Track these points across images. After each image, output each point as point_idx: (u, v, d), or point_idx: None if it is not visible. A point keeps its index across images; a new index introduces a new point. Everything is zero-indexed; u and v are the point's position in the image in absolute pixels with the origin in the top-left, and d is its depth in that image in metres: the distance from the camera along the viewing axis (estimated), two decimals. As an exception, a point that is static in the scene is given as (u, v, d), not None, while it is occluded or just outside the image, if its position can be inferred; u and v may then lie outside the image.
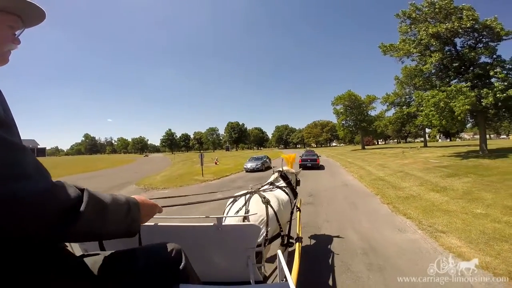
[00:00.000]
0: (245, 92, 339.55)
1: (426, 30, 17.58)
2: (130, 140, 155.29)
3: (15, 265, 0.68)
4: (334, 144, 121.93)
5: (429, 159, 18.30)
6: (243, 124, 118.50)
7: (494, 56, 17.08)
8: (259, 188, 3.38)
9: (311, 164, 19.21)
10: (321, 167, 20.00)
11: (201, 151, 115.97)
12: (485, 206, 6.61)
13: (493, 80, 16.37)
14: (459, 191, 8.41)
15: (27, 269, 0.70)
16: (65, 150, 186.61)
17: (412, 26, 19.48)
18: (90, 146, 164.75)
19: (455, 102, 15.79)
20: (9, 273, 0.66)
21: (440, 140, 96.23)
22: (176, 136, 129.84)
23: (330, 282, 3.55)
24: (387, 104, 40.48)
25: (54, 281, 0.76)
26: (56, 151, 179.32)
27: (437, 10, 17.35)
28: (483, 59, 17.34)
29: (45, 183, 0.61)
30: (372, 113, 49.54)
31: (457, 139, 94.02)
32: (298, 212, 3.84)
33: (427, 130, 46.53)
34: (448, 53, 18.59)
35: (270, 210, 2.73)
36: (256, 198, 2.83)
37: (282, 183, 3.77)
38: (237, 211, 2.68)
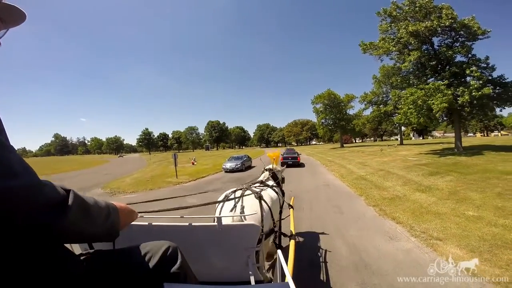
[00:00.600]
0: (226, 92, 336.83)
1: (406, 28, 17.60)
2: (104, 140, 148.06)
3: (15, 263, 0.68)
4: (313, 142, 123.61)
5: (407, 157, 18.40)
6: (224, 123, 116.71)
7: (470, 55, 17.42)
8: (251, 186, 3.31)
9: (292, 162, 19.43)
10: (301, 165, 20.38)
11: (180, 151, 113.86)
12: (476, 208, 6.22)
13: (468, 78, 16.67)
14: (445, 190, 8.06)
15: (27, 268, 0.70)
16: (33, 151, 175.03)
17: (392, 24, 19.56)
18: (61, 147, 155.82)
19: (433, 100, 15.88)
20: (9, 272, 0.66)
21: (413, 138, 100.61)
22: (154, 135, 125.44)
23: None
24: (365, 103, 41.19)
25: (54, 279, 0.76)
26: (23, 152, 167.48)
27: (417, 9, 17.42)
28: (459, 58, 17.69)
29: (32, 180, 0.62)
30: (351, 112, 50.56)
31: (429, 137, 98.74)
32: (291, 209, 3.89)
33: (402, 128, 48.16)
34: (425, 52, 18.80)
35: (264, 205, 2.72)
36: (247, 194, 2.80)
37: (272, 182, 3.73)
38: (232, 209, 2.61)
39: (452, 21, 16.44)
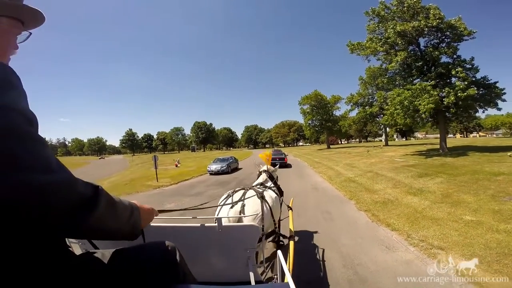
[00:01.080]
0: (213, 93, 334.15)
1: (394, 28, 17.54)
2: (86, 141, 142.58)
3: (18, 263, 0.67)
4: (300, 143, 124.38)
5: (394, 158, 18.33)
6: (210, 124, 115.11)
7: (455, 56, 17.57)
8: (252, 186, 3.31)
9: (280, 163, 18.86)
10: (288, 166, 20.85)
11: (165, 152, 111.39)
12: (473, 212, 5.87)
13: (454, 79, 16.78)
14: (437, 193, 7.73)
15: (29, 267, 0.70)
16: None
17: (380, 24, 19.52)
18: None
19: (419, 100, 15.85)
20: (12, 271, 0.66)
21: (396, 139, 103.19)
22: (138, 136, 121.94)
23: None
24: (351, 104, 41.52)
25: (57, 279, 0.75)
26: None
27: (405, 9, 17.42)
28: (444, 59, 17.83)
29: (68, 176, 0.64)
30: (337, 113, 50.90)
31: (411, 138, 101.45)
32: (290, 211, 3.96)
33: (386, 129, 49.01)
34: (412, 52, 18.87)
35: (266, 206, 2.73)
36: (250, 194, 2.80)
37: (271, 183, 3.76)
38: (232, 207, 2.62)
39: (439, 21, 16.51)
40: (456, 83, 15.87)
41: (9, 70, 0.66)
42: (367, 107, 39.55)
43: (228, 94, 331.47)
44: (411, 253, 4.28)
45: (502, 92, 15.94)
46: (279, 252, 1.54)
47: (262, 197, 2.78)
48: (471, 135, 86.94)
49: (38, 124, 0.67)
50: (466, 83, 15.25)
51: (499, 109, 17.25)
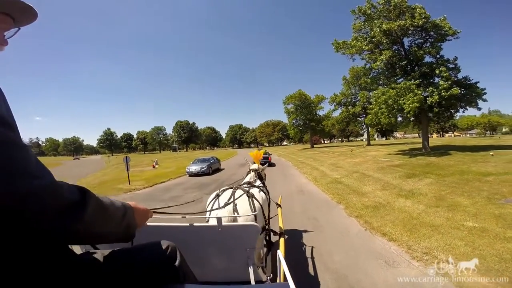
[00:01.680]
0: (198, 93, 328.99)
1: (380, 26, 17.33)
2: (61, 140, 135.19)
3: (17, 263, 0.67)
4: (284, 143, 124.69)
5: (378, 158, 18.11)
6: (193, 123, 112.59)
7: (438, 56, 17.61)
8: (240, 185, 3.31)
9: (264, 162, 18.50)
10: (272, 164, 21.06)
11: (146, 153, 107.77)
12: (473, 217, 5.35)
13: (437, 79, 16.78)
14: (429, 196, 7.24)
15: (29, 267, 0.69)
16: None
17: (366, 23, 19.32)
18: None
19: (404, 99, 15.66)
20: (12, 271, 0.66)
21: (377, 138, 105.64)
22: (117, 136, 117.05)
23: None
24: (335, 104, 41.68)
25: (57, 279, 0.75)
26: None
27: (391, 8, 17.24)
28: (428, 59, 17.86)
29: (51, 181, 0.62)
30: (320, 112, 50.96)
31: (391, 137, 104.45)
32: (279, 208, 4.00)
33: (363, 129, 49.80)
34: (396, 52, 18.77)
35: (257, 204, 2.73)
36: (239, 193, 2.79)
37: (259, 183, 3.74)
38: (223, 206, 2.55)
39: (425, 20, 16.46)
40: (440, 82, 15.81)
41: None
42: (350, 107, 39.87)
43: (213, 93, 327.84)
44: (416, 269, 3.64)
45: (483, 92, 16.10)
46: (279, 252, 1.50)
47: (251, 196, 2.76)
48: (447, 135, 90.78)
49: (15, 127, 0.63)
50: (449, 82, 15.21)
51: (479, 109, 17.50)
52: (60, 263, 0.78)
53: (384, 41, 18.54)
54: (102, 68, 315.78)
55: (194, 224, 1.76)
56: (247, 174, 4.04)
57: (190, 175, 16.76)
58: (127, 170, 13.51)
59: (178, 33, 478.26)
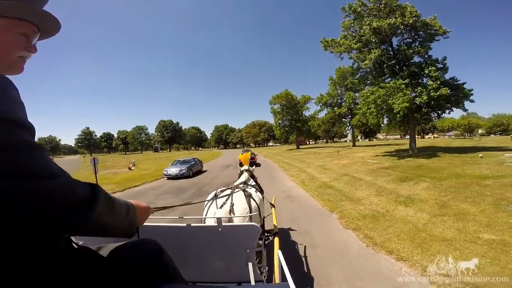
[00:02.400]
0: (182, 92, 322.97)
1: (370, 24, 16.90)
2: (36, 140, 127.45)
3: (16, 257, 0.69)
4: (270, 143, 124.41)
5: (366, 159, 17.60)
6: (177, 123, 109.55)
7: (426, 56, 17.37)
8: (237, 185, 3.31)
9: (251, 163, 18.80)
10: (258, 164, 21.45)
11: (127, 153, 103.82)
12: (486, 227, 4.66)
13: (426, 79, 16.49)
14: (431, 202, 6.52)
15: (27, 262, 0.72)
16: None
17: (355, 21, 18.91)
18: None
19: (393, 99, 15.20)
20: (10, 265, 0.68)
21: (360, 140, 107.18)
22: (96, 135, 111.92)
23: None
24: (321, 104, 41.38)
25: (42, 273, 0.76)
26: None
27: (382, 6, 16.86)
28: (416, 59, 17.63)
29: (67, 178, 0.66)
30: (306, 113, 50.64)
31: (373, 139, 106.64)
32: (273, 208, 3.93)
33: (349, 130, 50.08)
34: (385, 51, 18.42)
35: (253, 203, 2.76)
36: (237, 193, 2.82)
37: (253, 182, 3.79)
38: (221, 206, 2.59)
39: (416, 19, 16.16)
40: (429, 82, 15.51)
41: (8, 81, 0.66)
42: (335, 107, 39.71)
43: (198, 93, 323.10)
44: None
45: (470, 93, 15.97)
46: (279, 252, 1.50)
47: (249, 195, 2.79)
48: (427, 137, 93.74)
49: (33, 130, 0.68)
50: (438, 82, 14.94)
51: (465, 110, 17.41)
52: (55, 257, 0.79)
53: (373, 40, 18.24)
54: (81, 65, 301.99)
55: (195, 224, 1.80)
56: (239, 175, 4.08)
57: (168, 178, 15.46)
58: (95, 173, 12.08)
59: (162, 31, 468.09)
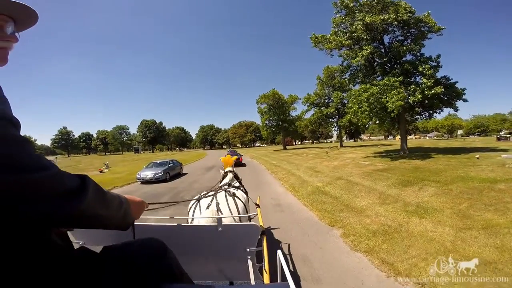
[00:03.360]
0: (166, 91, 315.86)
1: (362, 19, 16.11)
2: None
3: (15, 257, 0.69)
4: (257, 144, 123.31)
5: (357, 161, 16.72)
6: (160, 123, 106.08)
7: (418, 54, 16.82)
8: (221, 186, 3.33)
9: (235, 162, 19.92)
10: (243, 165, 22.25)
11: (106, 154, 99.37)
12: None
13: (418, 77, 15.94)
14: (448, 212, 5.47)
15: (25, 261, 0.72)
16: None
17: (346, 17, 18.13)
18: None
19: (387, 97, 14.38)
20: (9, 265, 0.68)
21: (345, 140, 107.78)
22: (74, 135, 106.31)
23: None
24: (308, 104, 40.59)
25: (44, 273, 0.76)
26: None
27: (374, 2, 16.11)
28: (408, 57, 17.05)
29: (57, 170, 0.66)
30: (293, 113, 49.74)
31: (358, 140, 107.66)
32: (258, 208, 3.84)
33: (335, 131, 49.82)
34: (376, 49, 17.69)
35: (239, 202, 2.76)
36: (222, 193, 2.80)
37: (237, 183, 3.76)
38: (207, 206, 2.56)
39: (410, 15, 15.48)
40: (423, 80, 14.85)
41: None
42: (323, 107, 39.07)
43: (183, 92, 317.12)
44: None
45: (463, 92, 15.47)
46: (279, 252, 1.47)
47: (233, 195, 2.79)
48: (409, 137, 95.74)
49: (19, 125, 0.69)
50: (432, 81, 14.33)
51: (457, 110, 16.92)
52: (56, 258, 0.79)
53: (365, 37, 17.58)
54: (60, 63, 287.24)
55: (195, 224, 1.99)
56: (223, 177, 3.98)
57: (142, 182, 13.78)
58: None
59: (143, 28, 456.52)
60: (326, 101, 39.49)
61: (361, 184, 9.28)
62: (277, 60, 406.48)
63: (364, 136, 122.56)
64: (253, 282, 1.71)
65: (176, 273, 1.10)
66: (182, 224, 1.78)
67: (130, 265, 0.96)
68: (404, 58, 17.18)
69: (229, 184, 3.50)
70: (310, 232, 5.33)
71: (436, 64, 16.29)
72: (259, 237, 2.03)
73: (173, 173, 15.38)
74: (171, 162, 16.08)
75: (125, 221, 0.91)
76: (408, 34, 17.09)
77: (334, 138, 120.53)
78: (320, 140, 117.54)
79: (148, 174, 13.74)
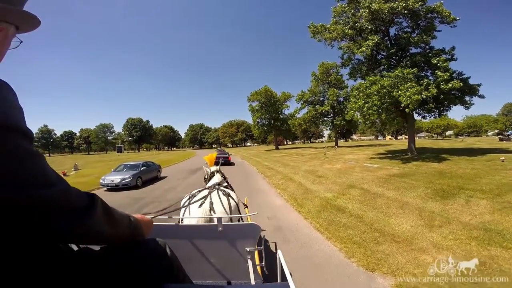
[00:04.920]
0: (154, 89, 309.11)
1: (369, 6, 14.30)
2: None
3: (17, 259, 0.68)
4: (248, 144, 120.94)
5: (363, 163, 14.74)
6: (147, 121, 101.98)
7: (427, 47, 15.18)
8: (213, 186, 3.15)
9: (224, 161, 21.28)
10: (231, 163, 22.71)
11: (90, 153, 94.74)
12: None
13: (430, 71, 14.36)
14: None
15: (26, 260, 0.71)
16: None
17: (349, 6, 16.30)
18: None
19: (399, 91, 12.47)
20: (11, 267, 0.67)
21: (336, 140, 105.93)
22: (55, 134, 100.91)
23: None
24: (302, 102, 38.59)
25: (47, 275, 0.75)
26: None
27: None
28: (415, 50, 15.42)
29: (65, 187, 0.66)
30: (286, 111, 47.58)
31: (349, 139, 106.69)
32: (246, 208, 3.94)
33: (327, 131, 48.25)
34: (381, 40, 15.89)
35: (232, 202, 2.75)
36: (215, 192, 2.77)
37: (226, 183, 3.66)
38: (200, 205, 2.50)
39: (422, 3, 13.68)
40: (438, 73, 13.09)
41: (7, 87, 0.64)
42: (317, 105, 37.17)
43: (172, 90, 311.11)
44: None
45: (478, 87, 13.81)
46: (279, 252, 1.46)
47: (227, 194, 2.76)
48: (399, 138, 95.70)
49: (33, 137, 0.68)
50: (448, 74, 12.66)
51: (467, 108, 15.17)
52: (57, 258, 0.78)
53: (369, 27, 15.89)
54: (42, 59, 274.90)
55: (195, 224, 2.00)
56: (210, 177, 3.87)
57: (108, 189, 11.28)
58: None
59: (131, 24, 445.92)
60: (321, 98, 37.58)
61: (384, 195, 7.20)
62: (270, 58, 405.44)
63: (355, 136, 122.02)
64: (253, 282, 1.71)
65: (177, 273, 1.11)
66: (183, 224, 1.83)
67: (131, 265, 0.94)
68: (412, 51, 15.60)
69: (219, 184, 3.23)
70: (338, 285, 3.14)
71: (450, 57, 14.59)
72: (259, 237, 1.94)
73: (147, 177, 12.91)
74: (144, 164, 13.55)
75: (134, 239, 0.92)
76: (416, 26, 15.42)
77: (326, 138, 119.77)
78: (312, 140, 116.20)
79: (114, 179, 11.23)
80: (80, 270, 0.82)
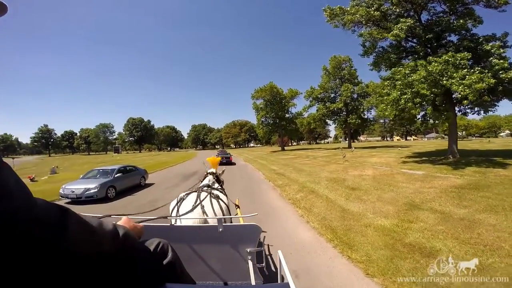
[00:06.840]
0: (158, 90, 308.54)
1: None
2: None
3: (14, 257, 0.60)
4: (252, 144, 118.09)
5: (398, 169, 11.83)
6: (149, 121, 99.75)
7: (467, 34, 12.58)
8: (200, 187, 3.12)
9: (226, 161, 22.24)
10: (233, 163, 22.99)
11: (90, 153, 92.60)
12: None
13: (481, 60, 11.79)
14: None
15: (27, 261, 0.62)
16: None
17: None
18: None
19: (450, 79, 9.76)
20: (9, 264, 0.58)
21: (341, 141, 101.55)
22: (56, 133, 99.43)
23: None
24: (311, 99, 35.59)
25: (53, 275, 0.70)
26: None
27: None
28: (452, 37, 13.05)
29: (26, 200, 0.58)
30: (293, 110, 44.54)
31: (355, 141, 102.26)
32: (238, 209, 3.90)
33: (334, 131, 45.20)
34: (414, 24, 13.25)
35: (223, 204, 2.70)
36: (204, 196, 2.70)
37: (218, 185, 3.60)
38: (192, 208, 2.42)
39: None
40: (494, 61, 10.61)
41: None
42: (328, 103, 34.20)
43: (175, 91, 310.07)
44: None
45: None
46: (279, 252, 1.43)
47: (217, 197, 2.72)
48: (409, 138, 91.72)
49: None
50: (506, 62, 10.36)
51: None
52: (57, 259, 0.71)
53: (397, 10, 13.40)
54: (43, 58, 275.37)
55: (195, 224, 1.93)
56: (204, 177, 3.79)
57: (71, 201, 8.48)
58: None
59: (133, 23, 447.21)
60: (332, 95, 34.56)
61: (480, 221, 4.34)
62: (275, 57, 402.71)
63: (361, 137, 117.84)
64: (253, 282, 1.69)
65: (179, 273, 1.10)
66: (183, 225, 1.86)
67: (135, 265, 0.93)
68: (449, 38, 13.24)
69: (208, 186, 3.19)
70: None
71: (503, 44, 11.96)
72: (259, 237, 1.91)
73: (125, 185, 10.11)
74: (122, 169, 10.74)
75: (125, 248, 0.86)
76: (453, 10, 12.78)
77: (332, 138, 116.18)
78: (317, 140, 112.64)
79: (76, 189, 8.49)
80: (80, 269, 0.73)
